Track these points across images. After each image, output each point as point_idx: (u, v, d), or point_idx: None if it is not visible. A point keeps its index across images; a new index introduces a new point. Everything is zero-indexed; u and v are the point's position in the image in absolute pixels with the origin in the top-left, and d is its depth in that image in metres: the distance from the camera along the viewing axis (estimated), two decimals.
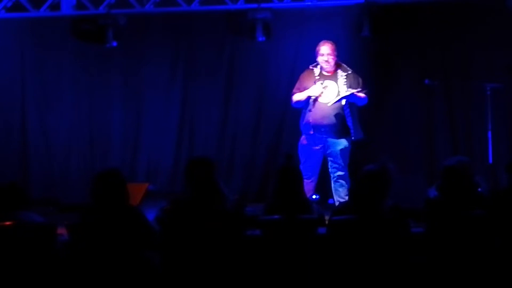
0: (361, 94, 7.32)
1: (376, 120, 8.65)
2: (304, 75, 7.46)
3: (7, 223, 4.82)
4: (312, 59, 8.73)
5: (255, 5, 8.55)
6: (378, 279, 4.69)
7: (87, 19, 8.90)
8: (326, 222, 5.02)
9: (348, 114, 7.30)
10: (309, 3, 8.65)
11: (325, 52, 7.30)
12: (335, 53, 7.34)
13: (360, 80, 7.39)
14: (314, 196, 7.77)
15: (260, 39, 8.56)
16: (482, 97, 7.92)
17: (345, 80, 7.32)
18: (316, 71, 7.37)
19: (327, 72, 7.36)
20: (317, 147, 7.36)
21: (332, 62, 7.31)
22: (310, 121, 7.30)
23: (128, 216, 4.81)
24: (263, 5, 8.56)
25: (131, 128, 9.09)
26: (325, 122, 7.26)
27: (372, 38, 8.43)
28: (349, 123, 7.33)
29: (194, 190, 4.87)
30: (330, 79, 7.34)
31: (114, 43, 8.76)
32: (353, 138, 7.37)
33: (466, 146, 8.40)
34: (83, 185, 8.50)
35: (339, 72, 7.36)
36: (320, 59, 7.34)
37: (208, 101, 8.95)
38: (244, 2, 8.72)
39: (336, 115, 7.28)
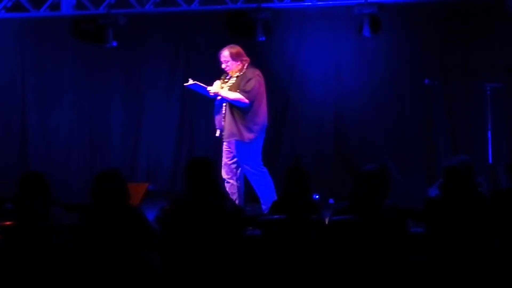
0: (227, 94, 7.19)
1: (376, 120, 8.66)
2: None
3: (8, 223, 4.82)
4: (312, 59, 8.77)
5: (255, 5, 8.56)
6: (378, 279, 4.69)
7: (87, 19, 8.90)
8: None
9: (228, 114, 7.20)
10: (309, 3, 8.65)
11: (219, 59, 7.29)
12: (228, 58, 7.22)
13: (247, 80, 7.23)
14: (314, 196, 7.78)
15: (260, 39, 8.56)
16: (482, 97, 7.93)
17: (234, 81, 7.25)
18: (225, 73, 7.36)
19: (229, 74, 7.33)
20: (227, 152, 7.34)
21: (227, 68, 7.26)
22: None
23: (128, 216, 4.81)
24: (263, 5, 8.56)
25: (131, 128, 9.10)
26: (216, 122, 7.32)
27: (372, 38, 8.43)
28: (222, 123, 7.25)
29: (194, 190, 4.88)
30: (230, 80, 7.31)
31: (114, 43, 8.76)
32: (223, 139, 7.26)
33: (466, 146, 8.40)
34: (83, 185, 8.52)
35: (238, 73, 7.27)
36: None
37: (208, 101, 8.94)
38: (244, 2, 8.73)
39: (224, 116, 7.23)
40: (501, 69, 8.24)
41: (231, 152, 7.27)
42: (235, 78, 7.25)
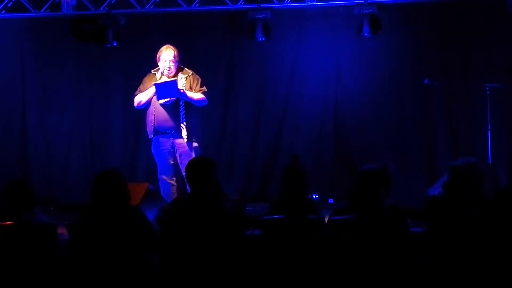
0: (192, 94, 7.18)
1: (376, 120, 8.67)
2: (146, 79, 7.32)
3: (8, 223, 4.82)
4: (312, 59, 8.77)
5: (255, 5, 8.55)
6: (378, 279, 4.70)
7: (87, 19, 8.90)
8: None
9: (183, 115, 7.16)
10: (309, 3, 8.65)
11: (168, 58, 7.15)
12: (177, 58, 7.19)
13: (200, 80, 7.27)
14: (314, 196, 7.78)
15: (260, 39, 8.56)
16: (482, 97, 7.93)
17: (185, 81, 7.21)
18: (158, 75, 7.24)
19: (168, 77, 7.20)
20: (165, 149, 7.23)
21: (173, 68, 7.18)
22: (154, 123, 7.18)
23: (128, 216, 4.81)
24: (263, 5, 8.55)
25: (131, 128, 9.09)
26: (168, 124, 7.16)
27: (372, 38, 8.43)
28: (184, 125, 7.17)
29: (194, 190, 4.88)
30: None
31: (114, 43, 8.75)
32: (186, 140, 7.17)
33: (466, 146, 8.40)
34: (83, 185, 8.53)
35: (180, 74, 7.22)
36: (161, 64, 7.19)
37: (208, 101, 8.95)
38: (244, 2, 8.72)
39: (175, 116, 7.15)
40: (501, 69, 8.24)
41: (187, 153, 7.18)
42: (184, 79, 7.17)
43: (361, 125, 8.69)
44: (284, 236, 4.94)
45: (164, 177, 7.28)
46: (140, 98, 7.28)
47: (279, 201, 5.19)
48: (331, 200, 8.36)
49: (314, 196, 7.79)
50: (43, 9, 8.99)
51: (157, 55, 7.26)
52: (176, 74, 7.24)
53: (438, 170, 8.11)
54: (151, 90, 7.20)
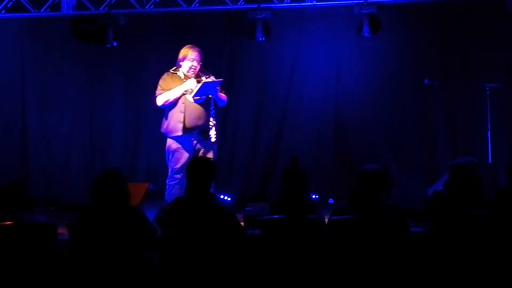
0: (222, 94, 7.14)
1: (376, 120, 8.67)
2: (168, 78, 7.15)
3: (8, 223, 4.82)
4: (312, 59, 8.77)
5: (255, 5, 8.56)
6: (378, 279, 4.70)
7: (87, 19, 8.90)
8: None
9: (213, 114, 7.09)
10: (309, 3, 8.66)
11: (195, 58, 7.07)
12: (201, 59, 7.11)
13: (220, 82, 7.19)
14: (314, 196, 7.78)
15: (260, 39, 8.57)
16: (482, 97, 7.94)
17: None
18: (180, 74, 7.13)
19: (191, 77, 7.11)
20: (189, 148, 7.07)
21: (197, 69, 7.10)
22: (184, 122, 7.00)
23: (128, 216, 4.81)
24: (263, 5, 8.56)
25: (131, 128, 9.10)
26: (200, 122, 7.03)
27: (372, 38, 8.44)
28: (212, 123, 7.09)
29: (195, 190, 4.88)
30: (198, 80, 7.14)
31: (114, 43, 8.76)
32: (213, 139, 7.08)
33: (466, 146, 8.41)
34: (83, 185, 8.53)
35: (202, 77, 7.12)
36: (187, 64, 7.08)
37: None
38: (244, 2, 8.73)
39: (207, 115, 7.05)
40: (501, 69, 8.24)
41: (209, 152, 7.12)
42: (209, 79, 7.09)
43: (361, 125, 8.70)
44: (284, 236, 4.94)
45: (180, 175, 7.04)
46: (168, 96, 7.06)
47: (279, 201, 5.20)
48: (331, 200, 8.36)
49: (314, 196, 7.79)
50: (43, 9, 8.99)
51: (181, 54, 7.10)
52: (199, 75, 7.16)
53: (438, 170, 8.11)
54: (180, 88, 7.03)
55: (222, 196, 7.71)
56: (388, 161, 8.20)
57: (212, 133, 7.08)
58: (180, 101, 7.03)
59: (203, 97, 7.02)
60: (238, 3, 8.74)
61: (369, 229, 4.74)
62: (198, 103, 7.03)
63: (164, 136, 8.56)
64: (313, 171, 8.29)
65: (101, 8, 8.90)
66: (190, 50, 7.09)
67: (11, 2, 9.02)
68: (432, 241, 4.92)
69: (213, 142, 7.08)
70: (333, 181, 8.58)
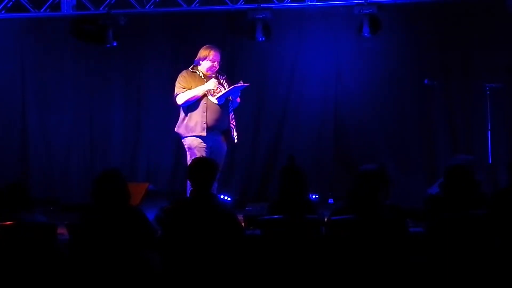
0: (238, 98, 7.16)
1: (376, 120, 8.67)
2: (188, 77, 7.12)
3: (8, 223, 4.83)
4: (312, 59, 8.78)
5: (255, 5, 8.56)
6: (377, 279, 4.69)
7: (87, 19, 8.90)
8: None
9: (232, 115, 7.11)
10: (309, 3, 8.66)
11: (217, 59, 7.06)
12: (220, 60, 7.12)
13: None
14: (314, 196, 7.77)
15: (260, 39, 8.57)
16: (482, 97, 7.93)
17: (226, 82, 7.13)
18: (199, 73, 7.12)
19: (210, 77, 7.11)
20: (206, 148, 7.04)
21: (216, 69, 7.10)
22: (205, 122, 6.99)
23: (128, 216, 4.81)
24: (263, 5, 8.56)
25: (131, 128, 9.10)
26: (221, 123, 7.05)
27: (372, 38, 8.44)
28: (232, 124, 7.12)
29: (196, 190, 4.88)
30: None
31: (114, 43, 8.77)
32: (236, 140, 7.13)
33: (466, 146, 8.41)
34: (83, 185, 8.53)
35: (219, 77, 7.14)
36: (207, 63, 7.06)
37: None
38: (244, 2, 8.73)
39: (227, 115, 7.09)
40: (501, 69, 8.24)
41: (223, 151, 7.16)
42: (224, 79, 7.12)
43: (361, 125, 8.70)
44: (284, 236, 4.94)
45: None
46: (190, 95, 7.00)
47: (278, 202, 5.20)
48: (331, 200, 8.36)
49: (314, 196, 7.79)
50: (43, 9, 9.00)
51: (202, 54, 7.07)
52: (216, 75, 7.14)
53: (438, 170, 8.10)
54: (202, 88, 7.01)
55: (222, 196, 7.71)
56: (385, 160, 8.22)
57: (234, 134, 7.11)
58: (202, 101, 7.03)
59: (221, 98, 7.04)
60: (238, 3, 8.74)
61: (369, 229, 4.74)
62: (219, 104, 7.05)
63: (166, 136, 8.59)
64: (313, 171, 8.30)
65: (101, 8, 8.90)
66: (212, 51, 7.08)
67: (11, 2, 9.03)
68: (432, 241, 4.92)
69: (235, 142, 7.13)
70: (333, 181, 8.58)
